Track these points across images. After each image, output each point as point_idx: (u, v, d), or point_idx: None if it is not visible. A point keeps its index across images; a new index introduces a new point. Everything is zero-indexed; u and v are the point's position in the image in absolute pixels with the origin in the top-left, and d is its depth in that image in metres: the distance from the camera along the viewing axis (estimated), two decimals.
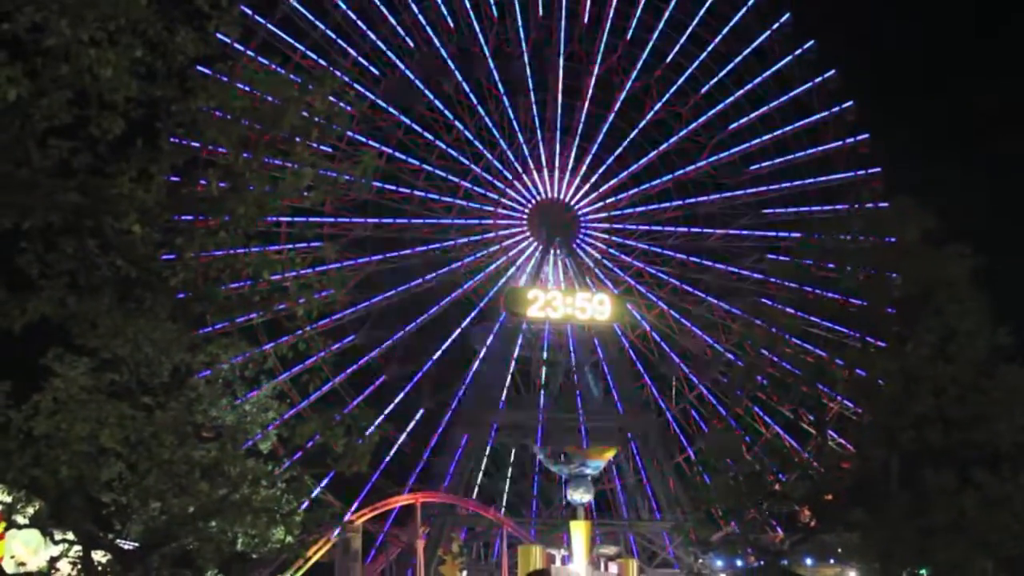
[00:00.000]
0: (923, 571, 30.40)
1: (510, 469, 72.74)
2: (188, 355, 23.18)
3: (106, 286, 18.81)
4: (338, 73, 16.84)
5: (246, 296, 19.89)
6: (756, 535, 34.41)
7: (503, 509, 67.80)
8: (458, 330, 72.46)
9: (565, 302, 68.34)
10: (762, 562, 33.02)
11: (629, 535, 69.37)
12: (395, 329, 70.09)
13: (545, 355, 75.04)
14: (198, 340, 24.19)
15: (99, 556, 23.56)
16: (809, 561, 37.71)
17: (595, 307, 68.80)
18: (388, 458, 66.96)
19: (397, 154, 71.74)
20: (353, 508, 57.13)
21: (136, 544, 24.01)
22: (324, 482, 51.39)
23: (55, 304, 18.27)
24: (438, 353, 71.37)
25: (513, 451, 72.62)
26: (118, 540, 23.92)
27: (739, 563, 35.59)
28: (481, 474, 70.53)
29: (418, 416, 70.26)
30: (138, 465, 22.35)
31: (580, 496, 20.96)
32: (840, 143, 75.18)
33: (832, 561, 40.74)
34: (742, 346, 41.20)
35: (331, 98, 17.38)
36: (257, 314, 23.24)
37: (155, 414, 22.52)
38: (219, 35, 16.00)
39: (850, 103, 75.40)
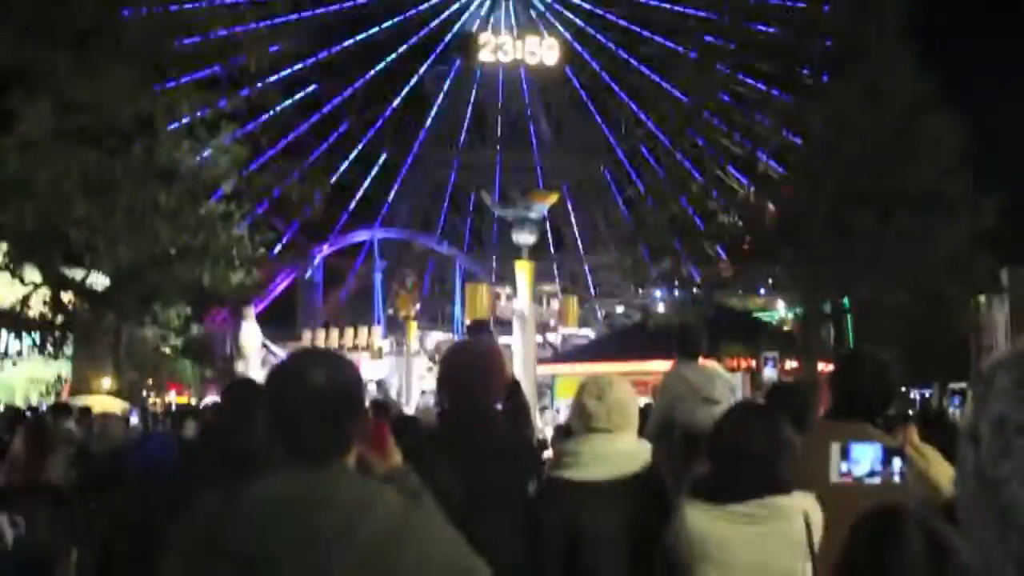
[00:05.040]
0: (845, 301, 31.86)
1: (470, 212, 73.74)
2: (148, 101, 23.40)
3: (64, 39, 18.85)
4: None
5: (200, 49, 19.99)
6: (695, 267, 35.73)
7: (464, 249, 69.20)
8: (416, 76, 71.87)
9: (515, 46, 67.84)
10: (696, 291, 34.52)
11: (585, 268, 71.51)
12: (355, 77, 69.33)
13: (500, 99, 74.89)
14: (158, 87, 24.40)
15: (69, 297, 24.40)
16: (740, 292, 39.25)
17: (544, 51, 68.45)
18: (354, 202, 67.80)
19: None
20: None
21: (105, 287, 24.82)
22: (294, 226, 52.18)
23: (12, 51, 18.31)
24: (398, 99, 71.07)
25: (472, 194, 73.30)
26: (87, 282, 24.70)
27: (676, 293, 36.99)
28: (442, 216, 71.79)
29: (381, 161, 70.58)
30: (103, 208, 22.92)
31: (524, 238, 21.77)
32: None
33: (762, 292, 42.49)
34: (689, 83, 41.63)
35: None
36: (213, 67, 23.35)
37: (117, 159, 22.88)
38: None
39: None
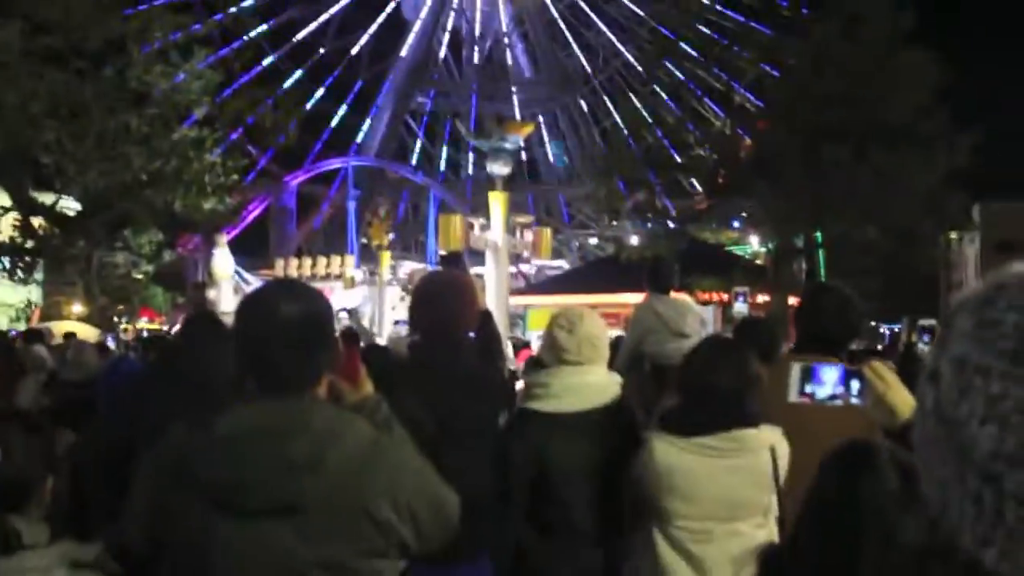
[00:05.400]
0: (818, 236, 31.98)
1: (445, 141, 73.36)
2: (119, 23, 23.08)
3: None
4: None
5: None
6: (669, 199, 35.77)
7: (439, 178, 68.91)
8: (392, 3, 70.91)
9: None
10: (670, 224, 34.64)
11: (559, 197, 71.53)
12: (331, 3, 68.32)
13: (478, 28, 74.16)
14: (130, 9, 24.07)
15: (39, 221, 24.18)
16: (714, 225, 39.37)
17: None
18: (328, 130, 67.20)
19: None
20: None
21: (77, 211, 24.61)
22: (269, 154, 51.54)
23: None
24: (374, 27, 70.20)
25: (448, 123, 72.80)
26: (59, 206, 24.47)
27: (650, 226, 37.01)
28: (418, 144, 71.42)
29: (356, 88, 69.86)
30: (73, 131, 22.67)
31: (499, 168, 21.57)
32: None
33: (735, 225, 42.58)
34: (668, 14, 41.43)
35: None
36: None
37: (87, 81, 22.59)
38: None
39: None
